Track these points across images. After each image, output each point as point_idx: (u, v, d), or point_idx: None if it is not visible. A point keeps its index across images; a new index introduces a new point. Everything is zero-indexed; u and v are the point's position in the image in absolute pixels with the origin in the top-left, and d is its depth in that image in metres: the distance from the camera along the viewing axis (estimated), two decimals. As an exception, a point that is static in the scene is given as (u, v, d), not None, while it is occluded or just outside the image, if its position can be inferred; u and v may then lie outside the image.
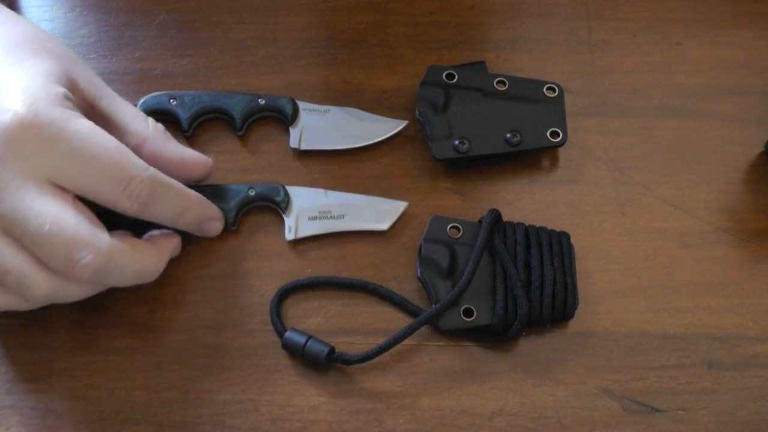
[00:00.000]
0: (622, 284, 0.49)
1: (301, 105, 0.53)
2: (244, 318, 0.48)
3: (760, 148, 0.53)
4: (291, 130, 0.52)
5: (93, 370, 0.46)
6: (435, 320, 0.47)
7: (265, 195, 0.50)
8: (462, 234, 0.48)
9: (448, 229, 0.49)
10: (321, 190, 0.50)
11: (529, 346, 0.47)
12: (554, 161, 0.53)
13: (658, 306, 0.49)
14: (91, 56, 0.55)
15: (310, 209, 0.50)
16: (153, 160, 0.45)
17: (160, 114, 0.52)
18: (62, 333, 0.47)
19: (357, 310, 0.48)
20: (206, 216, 0.48)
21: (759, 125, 0.54)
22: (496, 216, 0.49)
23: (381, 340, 0.46)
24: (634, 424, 0.45)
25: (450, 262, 0.47)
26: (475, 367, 0.47)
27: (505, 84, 0.53)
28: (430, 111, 0.52)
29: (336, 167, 0.52)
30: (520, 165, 0.53)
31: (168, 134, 0.48)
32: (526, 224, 0.49)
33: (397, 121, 0.53)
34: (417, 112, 0.52)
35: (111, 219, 0.44)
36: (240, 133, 0.52)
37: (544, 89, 0.53)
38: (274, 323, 0.47)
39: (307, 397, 0.46)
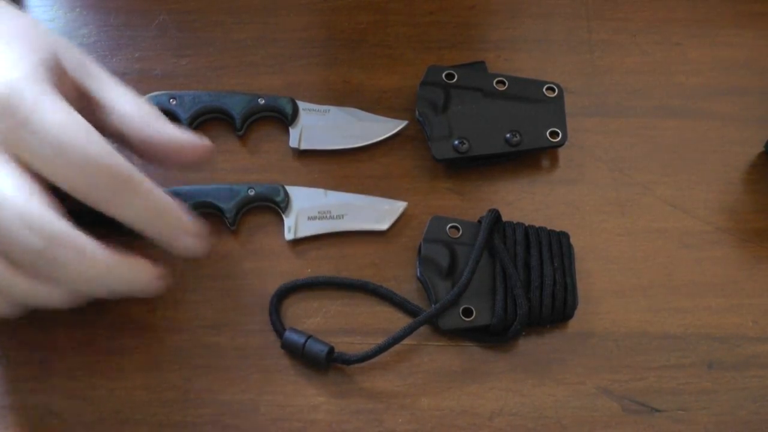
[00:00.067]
0: (622, 284, 0.49)
1: (301, 105, 0.53)
2: (243, 318, 0.48)
3: (760, 148, 0.53)
4: (291, 130, 0.52)
5: (93, 369, 0.46)
6: (435, 320, 0.47)
7: (264, 195, 0.50)
8: (462, 234, 0.48)
9: (447, 229, 0.49)
10: (321, 190, 0.50)
11: (528, 346, 0.47)
12: (554, 161, 0.53)
13: (658, 306, 0.49)
14: (91, 56, 0.55)
15: (310, 209, 0.50)
16: (141, 143, 0.43)
17: (159, 114, 0.52)
18: (62, 333, 0.47)
19: (357, 310, 0.48)
20: (180, 228, 0.43)
21: (759, 125, 0.54)
22: (495, 216, 0.49)
23: (380, 340, 0.46)
24: (633, 424, 0.45)
25: (450, 262, 0.47)
26: (474, 367, 0.47)
27: (504, 84, 0.53)
28: (430, 111, 0.52)
29: (336, 167, 0.52)
30: (519, 165, 0.53)
31: (159, 115, 0.45)
32: (526, 224, 0.49)
33: (396, 121, 0.53)
34: (417, 112, 0.52)
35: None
36: (240, 133, 0.52)
37: (544, 89, 0.53)
38: (273, 323, 0.47)
39: (306, 397, 0.46)
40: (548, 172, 0.53)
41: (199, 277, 0.49)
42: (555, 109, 0.52)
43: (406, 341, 0.46)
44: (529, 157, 0.53)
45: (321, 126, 0.52)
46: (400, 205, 0.50)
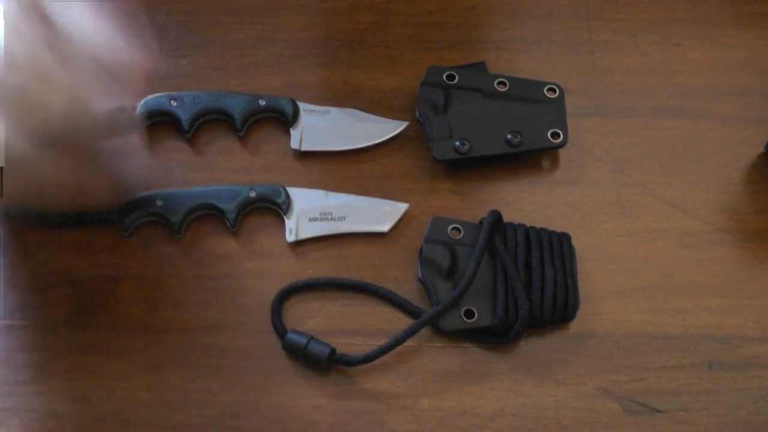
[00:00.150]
0: (622, 285, 0.49)
1: (302, 106, 0.53)
2: (244, 319, 0.48)
3: (761, 149, 0.53)
4: (291, 131, 0.52)
5: (93, 371, 0.46)
6: (436, 321, 0.47)
7: (265, 196, 0.50)
8: (462, 235, 0.48)
9: (448, 230, 0.49)
10: (322, 192, 0.50)
11: (529, 346, 0.47)
12: (554, 162, 0.53)
13: (659, 306, 0.49)
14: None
15: (311, 210, 0.50)
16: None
17: (160, 115, 0.52)
18: (62, 334, 0.47)
19: (357, 311, 0.48)
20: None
21: (759, 125, 0.54)
22: (496, 217, 0.49)
23: (382, 341, 0.46)
24: (634, 425, 0.45)
25: (451, 263, 0.47)
26: (475, 368, 0.47)
27: (505, 85, 0.53)
28: (431, 112, 0.52)
29: (336, 168, 0.52)
30: (520, 166, 0.53)
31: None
32: (527, 225, 0.49)
33: (397, 122, 0.53)
34: (417, 112, 0.52)
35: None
36: (240, 133, 0.52)
37: (545, 90, 0.53)
38: (274, 324, 0.47)
39: (307, 398, 0.46)
40: (548, 173, 0.53)
41: (199, 278, 0.49)
42: (556, 110, 0.52)
43: (407, 342, 0.46)
44: (530, 157, 0.53)
45: (322, 127, 0.52)
46: (401, 207, 0.50)
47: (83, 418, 0.45)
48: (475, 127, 0.51)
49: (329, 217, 0.50)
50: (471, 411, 0.46)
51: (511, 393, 0.46)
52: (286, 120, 0.52)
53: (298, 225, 0.49)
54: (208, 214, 0.50)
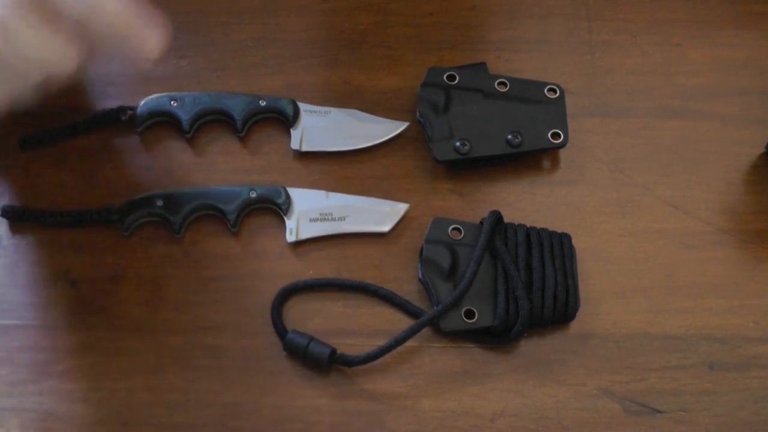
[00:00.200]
0: (622, 285, 0.49)
1: (302, 106, 0.53)
2: (245, 319, 0.48)
3: (761, 149, 0.53)
4: (292, 131, 0.52)
5: (94, 371, 0.46)
6: (436, 322, 0.47)
7: (266, 197, 0.50)
8: (463, 235, 0.48)
9: (449, 230, 0.49)
10: (322, 192, 0.50)
11: (530, 347, 0.47)
12: (555, 162, 0.53)
13: (659, 307, 0.49)
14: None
15: (311, 211, 0.50)
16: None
17: (160, 115, 0.52)
18: (63, 335, 0.47)
19: (358, 311, 0.48)
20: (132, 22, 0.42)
21: (759, 125, 0.54)
22: (497, 217, 0.49)
23: (382, 342, 0.46)
24: (635, 425, 0.45)
25: (451, 264, 0.47)
26: (476, 368, 0.47)
27: (506, 85, 0.53)
28: (431, 112, 0.52)
29: (337, 168, 0.52)
30: (520, 166, 0.53)
31: None
32: (527, 225, 0.49)
33: (398, 123, 0.53)
34: (418, 113, 0.52)
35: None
36: (241, 134, 0.52)
37: (545, 90, 0.53)
38: (275, 325, 0.47)
39: (308, 398, 0.46)
40: (549, 173, 0.53)
41: (200, 278, 0.49)
42: (556, 111, 0.52)
43: (407, 343, 0.46)
44: (530, 158, 0.53)
45: (322, 127, 0.52)
46: (401, 207, 0.50)
47: (84, 418, 0.45)
48: (475, 127, 0.51)
49: (329, 217, 0.50)
50: (472, 411, 0.46)
51: (512, 393, 0.46)
52: (286, 120, 0.52)
53: (298, 225, 0.49)
54: (208, 214, 0.50)
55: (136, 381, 0.46)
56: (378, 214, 0.50)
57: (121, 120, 0.52)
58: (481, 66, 0.54)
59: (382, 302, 0.48)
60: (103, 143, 0.52)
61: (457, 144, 0.51)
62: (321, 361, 0.45)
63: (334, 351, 0.46)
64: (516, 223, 0.49)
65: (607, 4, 0.58)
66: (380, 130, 0.53)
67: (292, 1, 0.58)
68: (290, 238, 0.49)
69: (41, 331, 0.47)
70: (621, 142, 0.54)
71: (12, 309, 0.48)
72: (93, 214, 0.49)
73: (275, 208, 0.50)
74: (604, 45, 0.57)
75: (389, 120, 0.53)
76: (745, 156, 0.53)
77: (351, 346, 0.47)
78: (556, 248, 0.48)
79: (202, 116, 0.52)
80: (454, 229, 0.49)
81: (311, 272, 0.49)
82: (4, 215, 0.49)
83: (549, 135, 0.51)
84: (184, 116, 0.52)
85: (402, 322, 0.48)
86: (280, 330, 0.47)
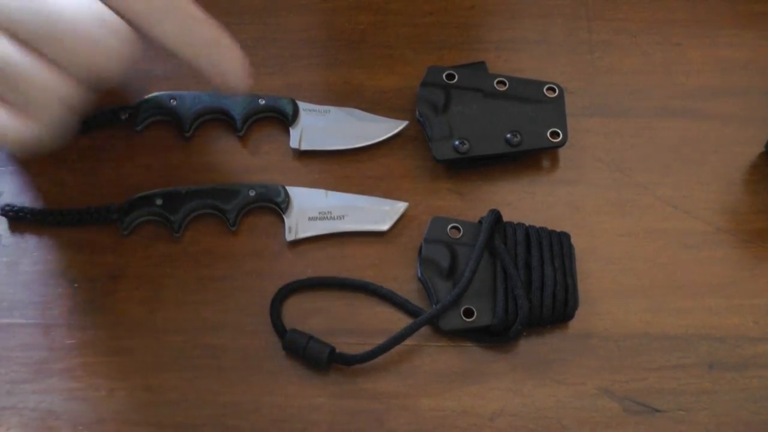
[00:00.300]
0: (622, 285, 0.49)
1: (302, 105, 0.53)
2: (244, 319, 0.48)
3: (761, 149, 0.53)
4: (291, 130, 0.52)
5: (93, 371, 0.46)
6: (435, 321, 0.46)
7: (265, 196, 0.50)
8: (462, 234, 0.48)
9: (448, 229, 0.49)
10: (321, 191, 0.50)
11: (529, 346, 0.47)
12: (554, 162, 0.53)
13: (659, 306, 0.49)
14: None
15: (311, 210, 0.50)
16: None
17: (160, 114, 0.52)
18: (62, 334, 0.47)
19: (357, 310, 0.48)
20: (219, 42, 0.42)
21: (759, 125, 0.54)
22: (496, 216, 0.49)
23: (381, 341, 0.46)
24: (634, 425, 0.45)
25: (450, 263, 0.47)
26: (475, 367, 0.47)
27: (505, 84, 0.53)
28: (431, 111, 0.52)
29: (336, 167, 0.52)
30: (520, 165, 0.53)
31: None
32: (527, 225, 0.49)
33: (397, 122, 0.53)
34: (417, 112, 0.52)
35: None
36: (240, 133, 0.52)
37: (545, 89, 0.53)
38: (274, 324, 0.47)
39: (307, 397, 0.46)
40: (549, 173, 0.53)
41: (199, 277, 0.49)
42: (555, 110, 0.52)
43: (406, 342, 0.46)
44: (530, 157, 0.53)
45: (321, 126, 0.52)
46: (400, 206, 0.50)
47: (83, 417, 0.45)
48: (474, 126, 0.51)
49: (329, 216, 0.50)
50: (471, 411, 0.46)
51: (511, 393, 0.46)
52: (285, 119, 0.53)
53: (297, 224, 0.49)
54: (207, 213, 0.50)
55: (135, 380, 0.46)
56: (377, 213, 0.50)
57: (120, 119, 0.52)
58: (481, 65, 0.54)
59: (381, 301, 0.48)
60: (102, 142, 0.52)
61: (457, 143, 0.51)
62: (320, 360, 0.45)
63: (333, 350, 0.46)
64: (515, 223, 0.49)
65: (607, 4, 0.58)
66: (379, 129, 0.53)
67: (292, 1, 0.58)
68: (289, 236, 0.49)
69: (41, 329, 0.47)
70: (621, 141, 0.54)
71: (11, 307, 0.48)
72: (92, 213, 0.49)
73: (274, 207, 0.50)
74: (604, 45, 0.57)
75: (388, 119, 0.53)
76: (745, 156, 0.53)
77: (350, 345, 0.47)
78: (556, 247, 0.48)
79: (201, 115, 0.52)
80: (453, 228, 0.49)
81: (310, 271, 0.49)
82: (3, 214, 0.49)
83: (548, 134, 0.51)
84: (184, 115, 0.52)
85: (401, 321, 0.48)
86: (279, 329, 0.47)
